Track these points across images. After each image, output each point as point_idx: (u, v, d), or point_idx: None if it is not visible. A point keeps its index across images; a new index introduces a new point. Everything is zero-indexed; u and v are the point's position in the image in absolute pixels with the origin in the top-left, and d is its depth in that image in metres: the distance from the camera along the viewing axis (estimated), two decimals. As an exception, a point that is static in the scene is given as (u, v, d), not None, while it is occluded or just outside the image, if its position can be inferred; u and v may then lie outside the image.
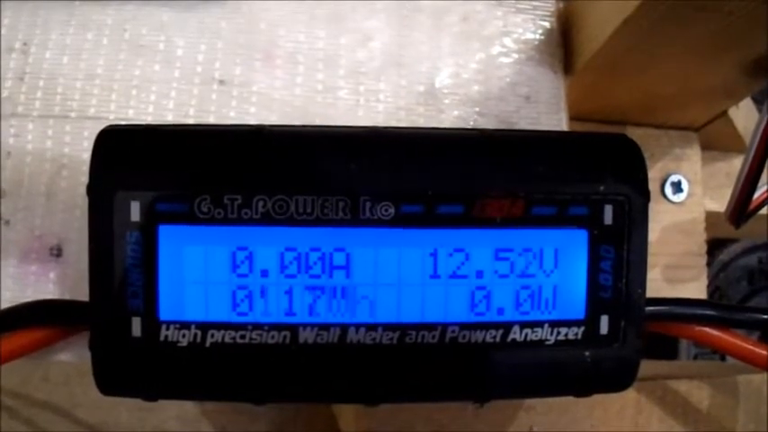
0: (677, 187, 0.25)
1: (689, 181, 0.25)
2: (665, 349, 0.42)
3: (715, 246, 0.43)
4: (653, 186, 0.25)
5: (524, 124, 0.20)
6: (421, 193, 0.15)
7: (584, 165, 0.15)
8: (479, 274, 0.15)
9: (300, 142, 0.15)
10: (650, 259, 0.24)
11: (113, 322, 0.15)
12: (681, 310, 0.18)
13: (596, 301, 0.15)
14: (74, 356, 0.19)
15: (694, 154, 0.26)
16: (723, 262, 0.41)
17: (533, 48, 0.21)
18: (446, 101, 0.21)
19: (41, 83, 0.21)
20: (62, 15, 0.21)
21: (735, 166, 0.29)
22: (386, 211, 0.15)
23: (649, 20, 0.18)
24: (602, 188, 0.15)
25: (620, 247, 0.15)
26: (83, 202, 0.19)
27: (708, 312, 0.18)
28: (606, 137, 0.16)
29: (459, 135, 0.16)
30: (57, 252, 0.20)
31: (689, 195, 0.25)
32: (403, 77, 0.20)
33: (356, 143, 0.15)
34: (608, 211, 0.15)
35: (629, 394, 0.22)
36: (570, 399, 0.17)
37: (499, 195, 0.15)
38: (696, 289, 0.25)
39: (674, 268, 0.25)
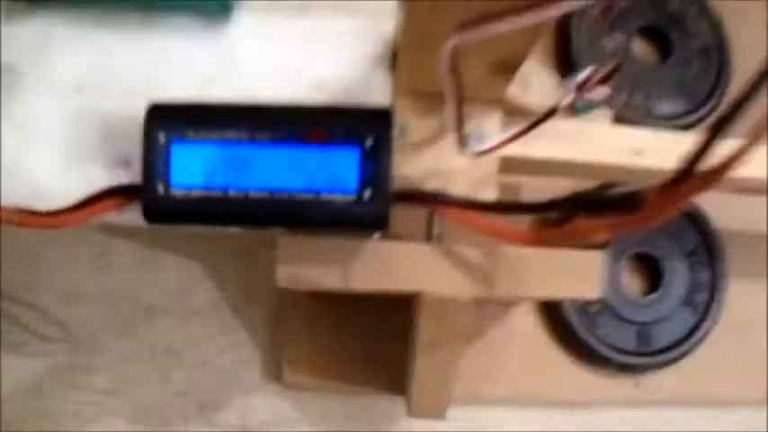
0: (480, 138, 0.42)
1: (489, 137, 0.42)
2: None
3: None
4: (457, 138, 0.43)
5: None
6: (279, 129, 0.33)
7: (360, 116, 0.34)
8: (307, 169, 0.34)
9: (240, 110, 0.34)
10: (449, 182, 0.42)
11: (150, 186, 0.34)
12: (424, 191, 0.36)
13: (363, 183, 0.34)
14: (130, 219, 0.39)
15: (496, 120, 0.43)
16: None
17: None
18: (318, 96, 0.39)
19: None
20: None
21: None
22: (265, 136, 0.34)
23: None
24: (367, 127, 0.34)
25: (375, 159, 0.34)
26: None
27: (442, 195, 0.37)
28: (372, 108, 0.34)
29: (300, 105, 0.35)
30: (126, 164, 0.39)
31: (489, 146, 0.42)
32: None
33: (255, 109, 0.34)
34: (369, 140, 0.34)
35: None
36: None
37: (315, 129, 0.33)
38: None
39: (474, 190, 0.43)
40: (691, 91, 0.65)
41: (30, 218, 0.37)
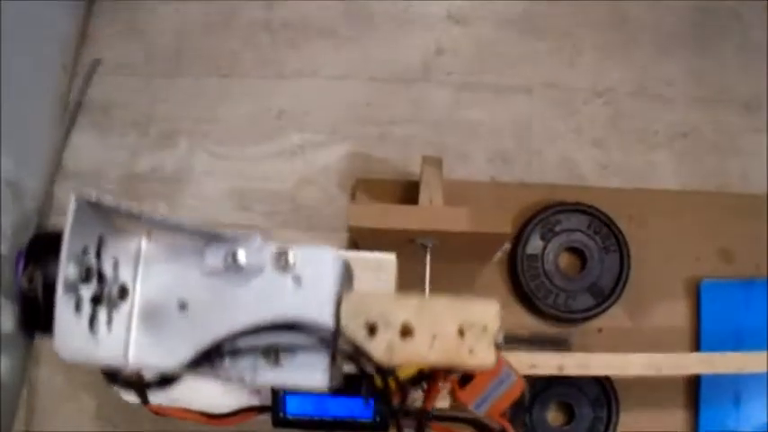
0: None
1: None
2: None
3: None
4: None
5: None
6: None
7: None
8: (352, 408, 0.72)
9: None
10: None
11: (276, 411, 0.73)
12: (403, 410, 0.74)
13: (374, 416, 0.72)
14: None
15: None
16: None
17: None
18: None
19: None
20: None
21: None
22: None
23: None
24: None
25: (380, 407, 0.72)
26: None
27: (409, 411, 0.74)
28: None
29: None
30: (258, 393, 0.78)
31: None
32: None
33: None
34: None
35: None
36: None
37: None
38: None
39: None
40: (598, 290, 1.01)
41: (208, 419, 0.76)
